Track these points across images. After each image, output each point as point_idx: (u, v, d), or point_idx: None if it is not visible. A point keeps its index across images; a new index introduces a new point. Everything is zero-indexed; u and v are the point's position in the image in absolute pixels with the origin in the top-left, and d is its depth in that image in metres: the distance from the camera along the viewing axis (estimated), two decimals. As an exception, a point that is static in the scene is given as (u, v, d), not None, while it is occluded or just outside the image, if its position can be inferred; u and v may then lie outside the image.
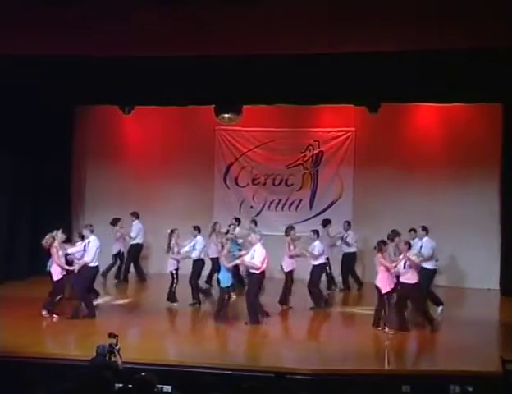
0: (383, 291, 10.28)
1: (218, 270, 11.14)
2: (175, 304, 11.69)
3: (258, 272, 10.60)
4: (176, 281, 11.66)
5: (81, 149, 15.04)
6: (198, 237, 11.87)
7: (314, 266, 11.79)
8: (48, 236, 10.94)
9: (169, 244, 11.75)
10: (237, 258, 11.02)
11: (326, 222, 13.14)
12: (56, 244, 10.82)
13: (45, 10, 8.99)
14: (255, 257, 10.61)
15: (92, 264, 10.89)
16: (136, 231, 13.82)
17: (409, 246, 10.42)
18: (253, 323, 10.46)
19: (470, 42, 8.60)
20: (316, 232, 11.98)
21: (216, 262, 12.59)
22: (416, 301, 10.48)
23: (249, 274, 10.93)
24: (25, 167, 13.75)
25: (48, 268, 11.39)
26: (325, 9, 8.78)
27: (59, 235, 10.92)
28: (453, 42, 8.69)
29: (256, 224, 13.12)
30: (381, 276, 10.33)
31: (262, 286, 11.29)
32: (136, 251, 13.97)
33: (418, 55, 9.05)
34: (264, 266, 10.67)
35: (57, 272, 10.76)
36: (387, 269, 10.26)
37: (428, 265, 11.32)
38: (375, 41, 8.80)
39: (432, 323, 10.31)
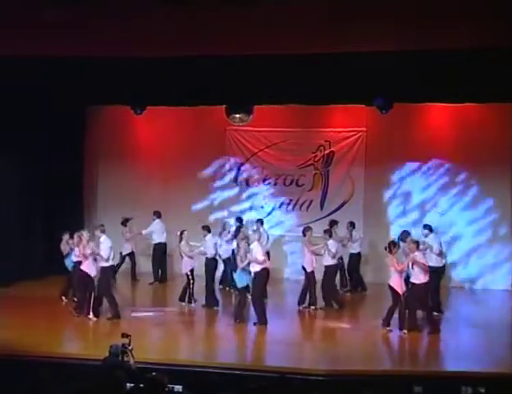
0: (400, 292, 10.23)
1: (234, 270, 11.18)
2: (192, 305, 11.74)
3: (259, 268, 10.58)
4: (192, 281, 11.70)
5: (93, 149, 15.12)
6: (208, 236, 11.86)
7: (326, 266, 11.79)
8: (75, 236, 11.19)
9: (180, 245, 11.83)
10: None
11: (333, 223, 13.09)
12: (84, 242, 10.95)
13: (56, 11, 9.05)
14: (256, 253, 10.64)
15: (106, 265, 10.89)
16: (150, 230, 13.84)
17: (418, 245, 10.37)
18: (260, 324, 10.48)
19: (481, 41, 8.57)
20: (329, 232, 11.96)
21: (227, 263, 12.67)
22: (424, 300, 10.38)
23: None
24: (37, 167, 13.85)
25: (70, 267, 11.58)
26: (336, 8, 8.79)
27: (85, 234, 11.07)
28: (465, 41, 8.66)
29: (262, 224, 13.08)
30: (393, 277, 10.32)
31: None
32: (159, 250, 14.00)
33: (430, 55, 9.03)
34: (267, 263, 10.66)
35: (90, 269, 10.85)
36: (397, 270, 10.26)
37: (434, 263, 11.28)
38: (386, 41, 8.79)
39: (434, 326, 10.23)
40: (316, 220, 14.13)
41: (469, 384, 8.09)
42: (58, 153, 14.17)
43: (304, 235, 11.80)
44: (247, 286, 10.79)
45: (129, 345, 7.32)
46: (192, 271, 11.72)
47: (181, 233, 11.81)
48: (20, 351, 8.82)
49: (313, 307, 11.65)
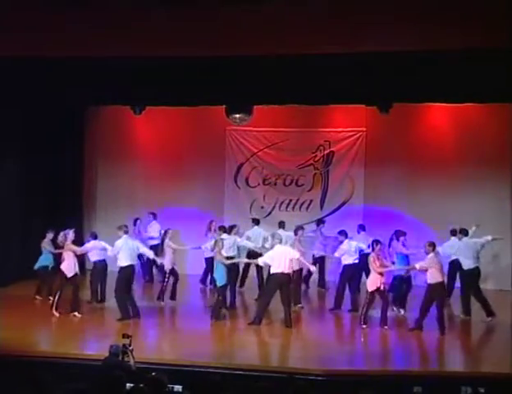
0: (369, 289, 10.43)
1: (212, 269, 11.20)
2: (162, 303, 11.81)
3: (273, 271, 10.57)
4: (167, 280, 11.81)
5: (93, 150, 15.13)
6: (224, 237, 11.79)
7: (344, 266, 11.80)
8: (61, 234, 11.25)
9: (162, 243, 11.87)
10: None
11: (319, 222, 13.13)
12: (68, 242, 11.03)
13: (56, 13, 9.09)
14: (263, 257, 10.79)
15: (122, 265, 10.80)
16: (157, 231, 13.81)
17: (434, 247, 10.40)
18: (254, 323, 10.50)
19: (481, 41, 8.57)
20: (344, 233, 11.87)
21: (210, 262, 12.71)
22: (440, 299, 10.37)
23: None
24: (37, 167, 13.86)
25: (37, 266, 11.89)
26: (335, 9, 8.81)
27: (70, 234, 11.16)
28: (464, 41, 8.67)
29: (284, 227, 12.78)
30: (371, 274, 10.53)
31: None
32: (154, 250, 13.96)
33: (429, 55, 9.04)
34: (276, 269, 10.50)
35: (69, 269, 10.92)
36: (374, 268, 10.43)
37: (465, 265, 11.30)
38: (386, 41, 8.79)
39: (443, 328, 10.23)
40: (316, 220, 14.14)
41: (469, 384, 8.09)
42: (58, 153, 14.18)
43: (296, 234, 11.86)
44: (225, 285, 10.79)
45: (129, 345, 7.32)
46: (173, 269, 11.78)
47: (165, 232, 11.89)
48: (20, 351, 8.83)
49: (297, 306, 11.68)
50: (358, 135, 14.38)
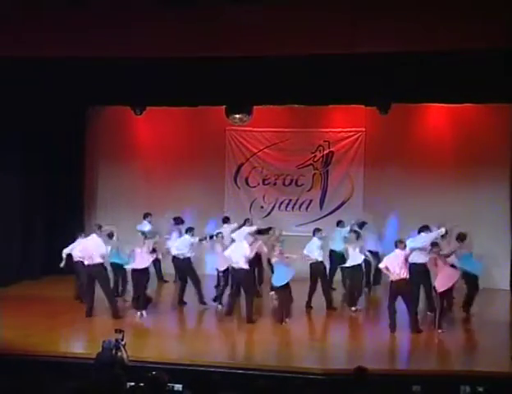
0: (439, 290, 10.26)
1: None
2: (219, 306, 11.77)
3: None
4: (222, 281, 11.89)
5: (93, 150, 15.14)
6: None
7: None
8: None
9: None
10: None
11: (363, 223, 13.15)
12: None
13: (56, 13, 9.11)
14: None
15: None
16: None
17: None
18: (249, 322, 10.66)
19: (479, 42, 8.60)
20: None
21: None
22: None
23: None
24: (38, 167, 13.89)
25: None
26: (335, 9, 8.84)
27: None
28: (463, 42, 8.69)
29: (228, 222, 13.07)
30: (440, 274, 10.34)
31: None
32: None
33: (428, 55, 9.06)
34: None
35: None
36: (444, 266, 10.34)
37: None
38: (386, 41, 8.82)
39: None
40: (315, 220, 14.17)
41: (468, 383, 8.12)
42: (58, 153, 14.20)
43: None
44: (285, 284, 10.76)
45: (122, 340, 7.37)
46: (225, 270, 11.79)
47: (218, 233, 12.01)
48: (20, 351, 8.85)
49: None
50: (357, 135, 14.41)
